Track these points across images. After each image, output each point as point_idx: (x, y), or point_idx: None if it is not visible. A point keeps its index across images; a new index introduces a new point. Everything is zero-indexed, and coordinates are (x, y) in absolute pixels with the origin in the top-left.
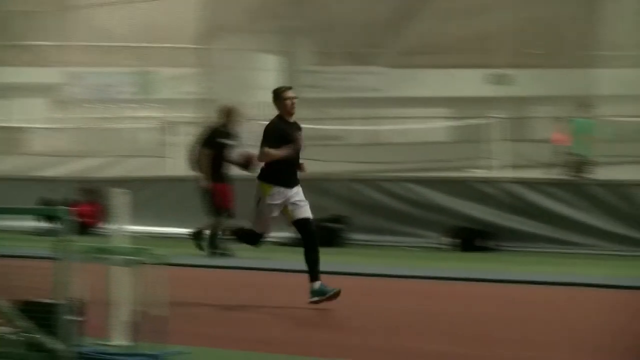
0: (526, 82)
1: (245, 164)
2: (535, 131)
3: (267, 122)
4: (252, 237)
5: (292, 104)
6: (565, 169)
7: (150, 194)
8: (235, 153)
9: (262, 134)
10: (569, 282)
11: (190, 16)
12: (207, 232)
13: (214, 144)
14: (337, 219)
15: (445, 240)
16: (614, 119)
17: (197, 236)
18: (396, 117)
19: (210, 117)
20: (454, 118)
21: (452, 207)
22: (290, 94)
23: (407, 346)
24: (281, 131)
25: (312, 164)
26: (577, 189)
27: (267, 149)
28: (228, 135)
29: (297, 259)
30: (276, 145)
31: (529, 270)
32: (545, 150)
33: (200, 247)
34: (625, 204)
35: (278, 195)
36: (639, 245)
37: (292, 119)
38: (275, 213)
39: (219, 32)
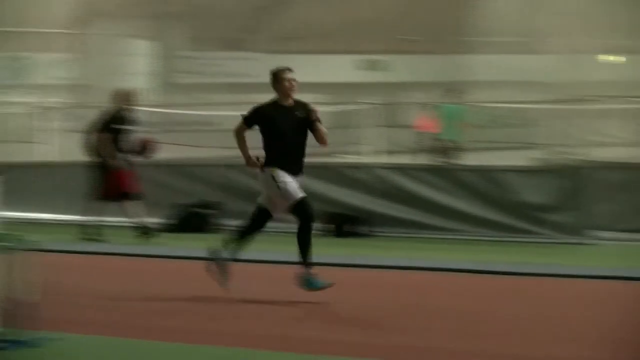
0: (399, 68)
1: (142, 150)
2: (408, 117)
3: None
4: (255, 224)
5: (291, 85)
6: (434, 155)
7: (21, 180)
8: (133, 139)
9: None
10: (439, 267)
11: (64, 1)
12: (140, 220)
13: (110, 129)
14: (207, 205)
15: (318, 225)
16: (487, 104)
17: (140, 227)
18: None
19: (87, 102)
20: (327, 104)
21: (324, 193)
22: (289, 74)
23: (275, 332)
24: (265, 113)
25: (184, 149)
26: (448, 174)
27: (239, 128)
28: (125, 120)
29: (174, 245)
30: (261, 131)
31: (401, 255)
32: (417, 136)
33: (146, 236)
34: (495, 189)
35: (283, 175)
36: (509, 230)
37: (290, 102)
38: (290, 177)
39: (92, 18)
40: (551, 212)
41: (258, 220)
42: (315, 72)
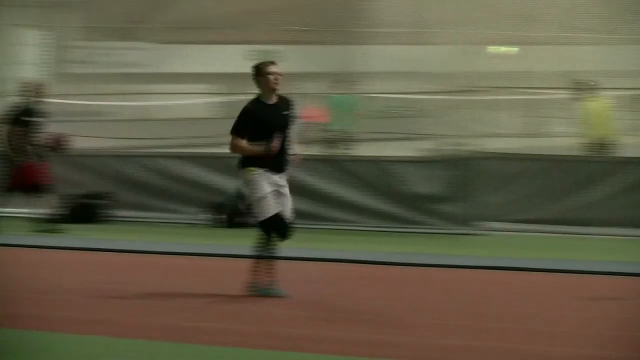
0: (291, 59)
1: (54, 146)
2: (299, 108)
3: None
4: (273, 226)
5: (276, 79)
6: (325, 145)
7: None
8: (44, 134)
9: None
10: (327, 258)
11: None
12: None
13: (21, 122)
14: (97, 195)
15: (208, 216)
16: (378, 95)
17: (46, 220)
18: (163, 93)
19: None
20: (220, 94)
21: (215, 184)
22: (274, 68)
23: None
24: (256, 117)
25: (76, 140)
26: (339, 165)
27: (235, 141)
28: (35, 113)
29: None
30: (250, 131)
31: (289, 246)
32: (305, 126)
33: (54, 231)
34: (386, 180)
35: (261, 175)
36: (399, 221)
37: (274, 99)
38: (269, 188)
39: None
40: (441, 203)
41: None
42: (207, 63)
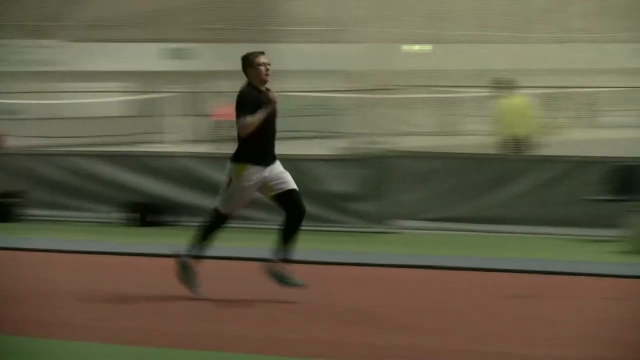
0: (205, 57)
1: None
2: (214, 106)
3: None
4: (215, 223)
5: (267, 70)
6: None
7: None
8: None
9: (236, 105)
10: (242, 256)
11: None
12: None
13: None
14: (10, 194)
15: (122, 215)
16: (293, 93)
17: None
18: (77, 91)
19: None
20: (132, 92)
21: (129, 182)
22: (263, 59)
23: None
24: (256, 100)
25: None
26: None
27: (247, 118)
28: None
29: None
30: (254, 112)
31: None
32: (216, 124)
33: None
34: (301, 179)
35: (252, 175)
36: (314, 219)
37: (265, 89)
38: (248, 197)
39: None
40: (356, 201)
41: (291, 210)
42: (121, 61)
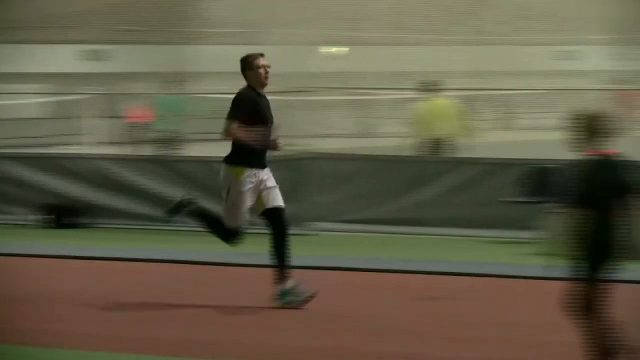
0: (121, 59)
1: None
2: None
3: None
4: (226, 233)
5: (267, 73)
6: (154, 146)
7: None
8: None
9: (231, 104)
10: (157, 258)
11: None
12: None
13: None
14: None
15: (37, 217)
16: (209, 95)
17: None
18: None
19: None
20: (49, 94)
21: (45, 184)
22: (263, 61)
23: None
24: (254, 103)
25: None
26: (169, 165)
27: (233, 125)
28: None
29: None
30: (246, 118)
31: (122, 246)
32: (129, 126)
33: None
34: (217, 180)
35: (250, 178)
36: None
37: (263, 91)
38: (250, 201)
39: None
40: None
41: (277, 225)
42: (37, 62)
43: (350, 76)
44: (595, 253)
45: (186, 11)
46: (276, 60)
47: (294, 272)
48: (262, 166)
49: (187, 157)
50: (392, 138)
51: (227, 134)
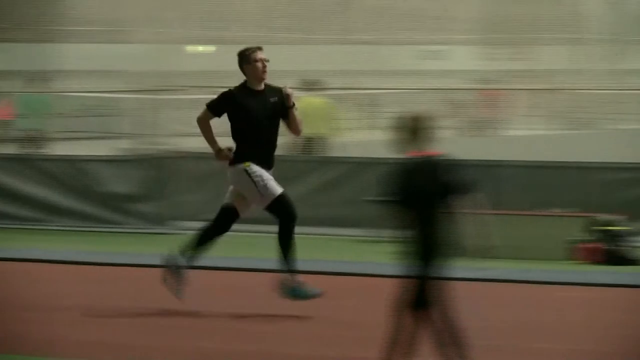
0: None
1: None
2: None
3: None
4: (219, 226)
5: (264, 67)
6: (18, 144)
7: None
8: None
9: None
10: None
11: None
12: None
13: None
14: None
15: None
16: (75, 93)
17: None
18: None
19: None
20: None
21: None
22: (261, 55)
23: None
24: (236, 105)
25: None
26: (33, 164)
27: (205, 115)
28: None
29: None
30: (220, 114)
31: None
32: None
33: None
34: (81, 179)
35: (257, 167)
36: (95, 220)
37: (261, 86)
38: (271, 176)
39: None
40: (137, 202)
41: (223, 222)
42: None
43: (216, 75)
44: (422, 251)
45: (51, 9)
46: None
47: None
48: (266, 166)
49: (52, 156)
50: None
51: (198, 121)
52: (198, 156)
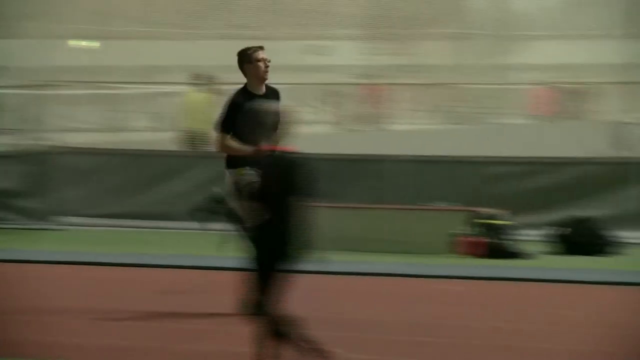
0: None
1: None
2: None
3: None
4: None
5: (267, 67)
6: None
7: None
8: None
9: (220, 114)
10: None
11: None
12: None
13: None
14: None
15: None
16: None
17: None
18: None
19: None
20: None
21: None
22: (263, 54)
23: None
24: (239, 109)
25: None
26: None
27: (223, 139)
28: None
29: None
30: (234, 128)
31: None
32: None
33: None
34: None
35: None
36: None
37: (262, 89)
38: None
39: None
40: (18, 198)
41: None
42: None
43: (100, 70)
44: (269, 247)
45: None
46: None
47: None
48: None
49: None
50: (141, 132)
51: (220, 149)
52: (81, 151)
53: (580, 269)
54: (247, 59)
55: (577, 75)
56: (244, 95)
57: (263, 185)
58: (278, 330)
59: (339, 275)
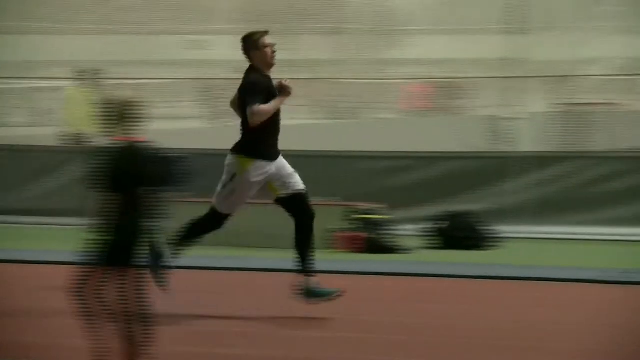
0: None
1: None
2: None
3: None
4: (210, 223)
5: (273, 53)
6: None
7: None
8: None
9: (245, 92)
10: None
11: None
12: None
13: None
14: None
15: None
16: None
17: None
18: None
19: None
20: None
21: None
22: (269, 40)
23: None
24: (269, 87)
25: None
26: None
27: (259, 107)
28: None
29: None
30: (266, 101)
31: None
32: None
33: None
34: None
35: (258, 171)
36: None
37: (270, 74)
38: (253, 192)
39: None
40: None
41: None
42: None
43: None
44: (115, 239)
45: None
46: None
47: None
48: (273, 158)
49: None
50: (19, 128)
51: (255, 119)
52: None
53: (456, 263)
54: (253, 46)
55: (454, 70)
56: (264, 76)
57: (111, 176)
58: (126, 326)
59: (207, 270)
